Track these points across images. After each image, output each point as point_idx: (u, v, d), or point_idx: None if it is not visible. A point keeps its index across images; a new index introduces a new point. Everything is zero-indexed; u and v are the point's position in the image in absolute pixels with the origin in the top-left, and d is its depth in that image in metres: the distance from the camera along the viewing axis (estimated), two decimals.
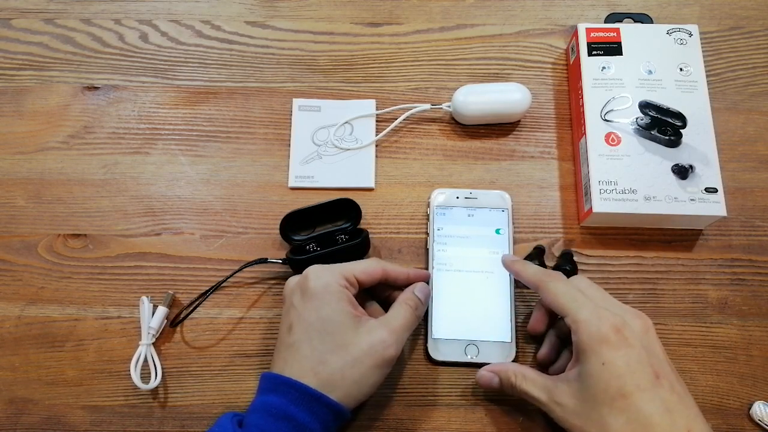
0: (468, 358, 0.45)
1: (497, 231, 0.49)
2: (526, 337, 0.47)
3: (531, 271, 0.43)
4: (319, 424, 0.36)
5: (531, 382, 0.39)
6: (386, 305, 0.43)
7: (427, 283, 0.44)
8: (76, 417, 0.45)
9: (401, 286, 0.44)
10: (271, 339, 0.47)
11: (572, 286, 0.40)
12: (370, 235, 0.49)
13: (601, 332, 0.35)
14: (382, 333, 0.38)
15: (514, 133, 0.54)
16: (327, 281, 0.39)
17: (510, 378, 0.40)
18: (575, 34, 0.54)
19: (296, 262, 0.46)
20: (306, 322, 0.38)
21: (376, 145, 0.53)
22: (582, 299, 0.38)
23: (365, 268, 0.41)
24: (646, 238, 0.50)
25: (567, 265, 0.47)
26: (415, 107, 0.53)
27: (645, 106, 0.50)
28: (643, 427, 0.33)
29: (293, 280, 0.41)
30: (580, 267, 0.48)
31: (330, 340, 0.37)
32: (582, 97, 0.51)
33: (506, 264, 0.45)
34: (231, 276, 0.47)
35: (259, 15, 0.58)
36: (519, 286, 0.48)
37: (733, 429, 0.45)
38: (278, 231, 0.48)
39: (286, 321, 0.40)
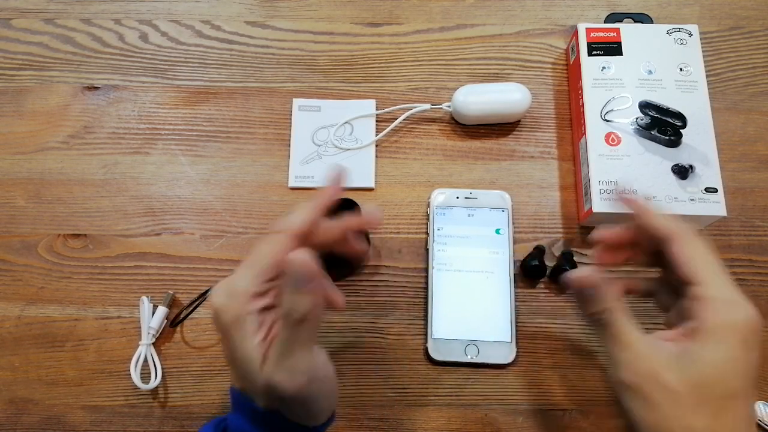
0: (468, 358, 0.45)
1: (497, 231, 0.49)
2: (526, 337, 0.47)
3: (659, 217, 0.34)
4: None
5: (626, 323, 0.32)
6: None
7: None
8: (76, 417, 0.45)
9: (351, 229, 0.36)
10: None
11: (710, 252, 0.32)
12: (370, 235, 0.49)
13: (740, 322, 0.30)
14: (271, 378, 0.31)
15: (514, 133, 0.54)
16: (234, 314, 0.31)
17: (607, 300, 0.32)
18: (575, 34, 0.54)
19: None
20: (233, 361, 0.32)
21: (376, 145, 0.53)
22: (724, 275, 0.32)
23: (272, 263, 0.32)
24: None
25: (567, 265, 0.47)
26: (415, 107, 0.53)
27: (645, 106, 0.50)
28: (724, 428, 0.30)
29: (211, 305, 0.33)
30: (580, 267, 0.48)
31: (251, 385, 0.32)
32: (582, 97, 0.51)
33: (624, 198, 0.36)
34: None
35: (259, 15, 0.58)
36: (519, 286, 0.48)
37: None
38: None
39: (223, 352, 0.34)
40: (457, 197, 0.49)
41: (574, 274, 0.33)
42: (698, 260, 0.32)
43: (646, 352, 0.31)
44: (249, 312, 0.31)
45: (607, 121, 0.50)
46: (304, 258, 0.30)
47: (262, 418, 0.33)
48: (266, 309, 0.32)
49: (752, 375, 0.30)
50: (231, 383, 0.36)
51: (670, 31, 0.53)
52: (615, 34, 0.53)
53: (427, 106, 0.53)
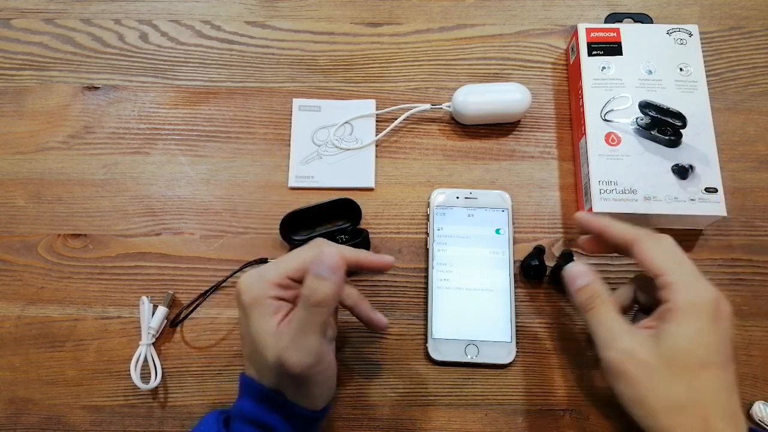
0: (468, 358, 0.45)
1: (497, 231, 0.49)
2: (526, 337, 0.47)
3: (620, 227, 0.39)
4: (291, 428, 0.36)
5: (609, 311, 0.37)
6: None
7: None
8: (76, 417, 0.45)
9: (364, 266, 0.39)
10: None
11: (673, 244, 0.37)
12: (370, 235, 0.49)
13: (704, 300, 0.34)
14: (282, 355, 0.34)
15: (514, 133, 0.54)
16: (256, 295, 0.36)
17: (595, 293, 0.38)
18: (575, 34, 0.54)
19: None
20: (247, 336, 0.37)
21: (376, 145, 0.53)
22: (684, 262, 0.36)
23: (299, 266, 0.37)
24: None
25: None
26: (415, 107, 0.53)
27: (645, 106, 0.50)
28: (707, 399, 0.33)
29: (237, 285, 0.38)
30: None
31: (260, 360, 0.36)
32: (582, 97, 0.51)
33: (584, 222, 0.41)
34: (231, 276, 0.47)
35: (259, 15, 0.58)
36: (519, 286, 0.48)
37: None
38: (278, 231, 0.48)
39: (240, 330, 0.39)
40: (457, 197, 0.49)
41: (570, 268, 0.39)
42: (660, 255, 0.36)
43: (625, 334, 0.36)
44: (268, 296, 0.35)
45: (607, 121, 0.50)
46: (334, 252, 0.35)
47: (266, 396, 0.36)
48: (283, 300, 0.36)
49: (724, 346, 0.34)
50: (242, 370, 0.39)
51: (670, 31, 0.53)
52: (615, 34, 0.53)
53: (427, 106, 0.53)
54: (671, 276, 0.35)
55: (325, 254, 0.34)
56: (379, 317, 0.41)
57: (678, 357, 0.34)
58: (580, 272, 0.39)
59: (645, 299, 0.40)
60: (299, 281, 0.36)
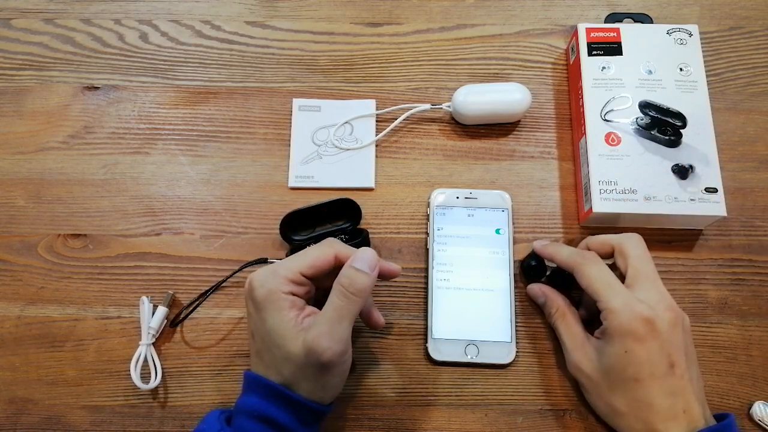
0: (468, 358, 0.45)
1: (497, 231, 0.49)
2: (526, 337, 0.47)
3: (566, 253, 0.44)
4: (298, 423, 0.36)
5: (566, 326, 0.43)
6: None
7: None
8: (76, 417, 0.45)
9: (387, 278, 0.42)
10: None
11: (607, 271, 0.41)
12: (370, 235, 0.49)
13: (631, 325, 0.38)
14: (312, 342, 0.35)
15: (514, 133, 0.54)
16: (270, 290, 0.36)
17: (552, 309, 0.45)
18: (575, 34, 0.54)
19: None
20: (261, 333, 0.37)
21: (376, 145, 0.53)
22: (616, 287, 0.40)
23: (312, 262, 0.38)
24: (646, 238, 0.49)
25: None
26: (415, 107, 0.53)
27: (645, 106, 0.50)
28: (645, 406, 0.38)
29: (249, 282, 0.38)
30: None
31: (278, 352, 0.36)
32: (582, 97, 0.51)
33: (538, 249, 0.47)
34: (231, 276, 0.47)
35: (259, 15, 0.58)
36: (519, 286, 0.48)
37: None
38: (278, 231, 0.48)
39: (250, 327, 0.39)
40: (457, 197, 0.49)
41: (528, 287, 0.47)
42: (595, 281, 0.40)
43: (576, 348, 0.42)
44: (282, 291, 0.36)
45: (607, 121, 0.50)
46: (372, 251, 0.38)
47: (273, 391, 0.36)
48: (296, 296, 0.37)
49: (659, 359, 0.37)
50: (245, 369, 0.39)
51: (670, 31, 0.53)
52: (615, 34, 0.53)
53: (427, 106, 0.53)
54: (603, 303, 0.39)
55: (366, 251, 0.38)
56: (379, 316, 0.43)
57: (613, 373, 0.39)
58: (536, 293, 0.46)
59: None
60: (311, 278, 0.38)
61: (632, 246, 0.42)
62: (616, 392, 0.39)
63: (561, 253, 0.44)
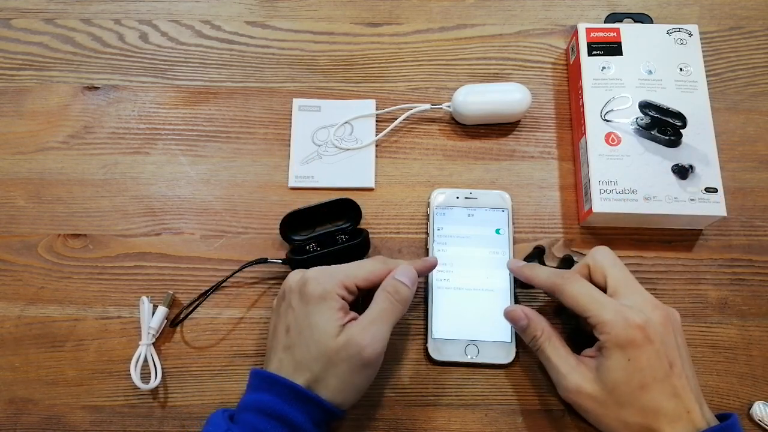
0: (468, 358, 0.45)
1: (497, 231, 0.49)
2: None
3: (544, 275, 0.43)
4: (311, 423, 0.36)
5: (554, 349, 0.41)
6: None
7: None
8: (76, 417, 0.45)
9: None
10: None
11: (589, 285, 0.40)
12: (370, 235, 0.49)
13: (628, 334, 0.37)
14: (356, 336, 0.37)
15: (514, 133, 0.54)
16: (325, 288, 0.38)
17: (536, 332, 0.41)
18: (575, 34, 0.54)
19: (296, 262, 0.46)
20: (301, 326, 0.38)
21: (376, 145, 0.53)
22: (603, 299, 0.39)
23: (367, 275, 0.40)
24: (646, 238, 0.50)
25: (567, 268, 0.47)
26: (415, 107, 0.53)
27: (645, 106, 0.50)
28: (652, 412, 0.37)
29: (295, 277, 0.41)
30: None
31: (315, 348, 0.37)
32: (582, 97, 0.51)
33: (514, 270, 0.46)
34: (231, 276, 0.47)
35: (259, 15, 0.58)
36: (519, 285, 0.48)
37: None
38: (278, 231, 0.48)
39: (284, 321, 0.40)
40: (457, 197, 0.49)
41: (506, 309, 0.43)
42: (582, 298, 0.39)
43: (571, 372, 0.40)
44: (336, 292, 0.38)
45: (607, 121, 0.50)
46: (412, 269, 0.41)
47: (291, 392, 0.36)
48: (345, 301, 0.39)
49: (659, 360, 0.37)
50: (257, 367, 0.40)
51: (670, 31, 0.53)
52: (615, 34, 0.53)
53: (427, 106, 0.53)
54: (595, 317, 0.39)
55: (408, 268, 0.41)
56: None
57: (618, 387, 0.38)
58: (517, 316, 0.42)
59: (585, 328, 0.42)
60: (362, 290, 0.41)
61: (603, 257, 0.42)
62: (625, 405, 0.38)
63: (539, 276, 0.43)
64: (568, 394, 0.40)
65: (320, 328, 0.37)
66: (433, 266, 0.44)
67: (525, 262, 0.46)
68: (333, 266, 0.41)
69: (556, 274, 0.42)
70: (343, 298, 0.39)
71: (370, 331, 0.37)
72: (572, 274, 0.42)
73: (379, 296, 0.39)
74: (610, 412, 0.38)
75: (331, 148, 0.53)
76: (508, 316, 0.43)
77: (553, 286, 0.41)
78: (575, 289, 0.40)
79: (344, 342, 0.37)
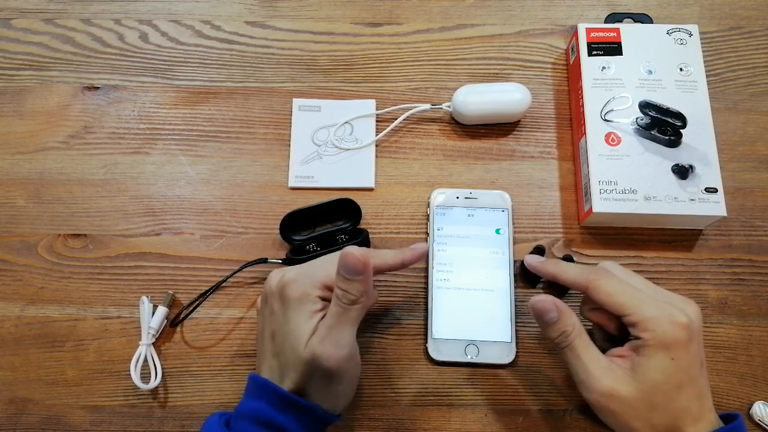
0: (468, 358, 0.45)
1: (497, 231, 0.49)
2: (526, 337, 0.47)
3: (572, 271, 0.40)
4: (303, 429, 0.36)
5: (585, 347, 0.37)
6: None
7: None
8: (76, 417, 0.45)
9: (399, 269, 0.42)
10: None
11: (624, 281, 0.38)
12: (370, 235, 0.49)
13: (675, 333, 0.35)
14: (315, 348, 0.35)
15: (514, 133, 0.54)
16: (305, 291, 0.37)
17: (567, 327, 0.37)
18: (575, 34, 0.54)
19: (296, 262, 0.45)
20: (283, 332, 0.37)
21: (376, 145, 0.53)
22: (641, 296, 0.37)
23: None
24: (646, 238, 0.50)
25: None
26: (415, 107, 0.53)
27: (645, 106, 0.50)
28: (681, 413, 0.35)
29: (275, 279, 0.39)
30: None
31: (292, 357, 0.36)
32: (582, 97, 0.51)
33: (534, 266, 0.44)
34: (231, 276, 0.47)
35: (259, 15, 0.58)
36: (519, 286, 0.48)
37: None
38: (278, 231, 0.48)
39: (269, 326, 0.39)
40: (457, 197, 0.49)
41: (534, 300, 0.38)
42: (618, 295, 0.37)
43: (603, 373, 0.36)
44: (315, 294, 0.37)
45: (607, 121, 0.50)
46: (356, 253, 0.35)
47: (283, 400, 0.36)
48: (325, 301, 0.37)
49: (696, 359, 0.36)
50: (251, 371, 0.39)
51: (670, 31, 0.53)
52: (615, 34, 0.53)
53: (427, 106, 0.53)
54: (635, 315, 0.36)
55: (348, 256, 0.35)
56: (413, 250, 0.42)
57: (656, 387, 0.35)
58: (546, 307, 0.37)
59: (613, 328, 0.40)
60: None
61: (612, 267, 0.40)
62: (657, 407, 0.35)
63: (567, 272, 0.40)
64: (599, 397, 0.36)
65: (295, 336, 0.36)
66: (423, 254, 0.42)
67: (545, 258, 0.44)
68: (314, 264, 0.39)
69: (587, 269, 0.40)
70: (324, 299, 0.37)
71: (329, 339, 0.35)
72: (605, 270, 0.39)
73: (333, 300, 0.36)
74: (640, 414, 0.35)
75: (331, 148, 0.53)
76: (537, 306, 0.37)
77: (586, 281, 0.38)
78: (611, 285, 0.37)
79: (308, 355, 0.35)
